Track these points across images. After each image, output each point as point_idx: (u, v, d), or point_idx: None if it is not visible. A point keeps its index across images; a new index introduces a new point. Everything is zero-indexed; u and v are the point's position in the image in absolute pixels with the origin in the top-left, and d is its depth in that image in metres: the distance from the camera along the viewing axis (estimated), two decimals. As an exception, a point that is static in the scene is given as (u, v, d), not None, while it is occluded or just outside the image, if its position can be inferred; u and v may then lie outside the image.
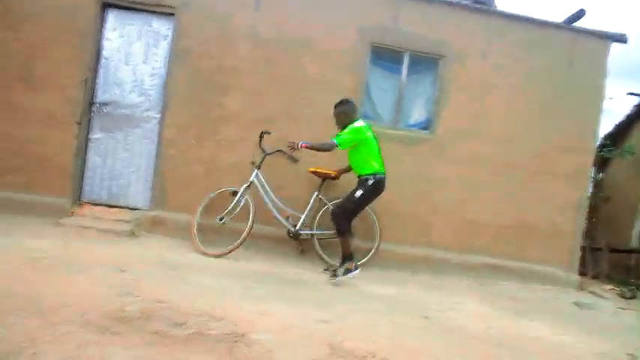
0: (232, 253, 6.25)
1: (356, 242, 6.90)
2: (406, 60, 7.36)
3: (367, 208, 6.86)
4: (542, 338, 4.89)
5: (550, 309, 6.28)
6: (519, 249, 7.50)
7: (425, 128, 7.46)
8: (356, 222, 6.88)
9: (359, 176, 6.10)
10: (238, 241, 6.26)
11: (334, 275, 5.94)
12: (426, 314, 5.05)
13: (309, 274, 6.10)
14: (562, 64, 7.56)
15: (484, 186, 7.42)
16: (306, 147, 5.93)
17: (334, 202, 6.76)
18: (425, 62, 7.46)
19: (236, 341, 3.57)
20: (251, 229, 6.34)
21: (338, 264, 6.10)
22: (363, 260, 6.74)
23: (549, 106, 7.51)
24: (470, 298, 6.13)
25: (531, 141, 7.51)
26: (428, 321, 4.85)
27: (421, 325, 4.68)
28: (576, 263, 7.66)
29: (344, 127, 6.05)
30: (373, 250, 6.86)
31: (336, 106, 6.20)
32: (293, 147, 5.95)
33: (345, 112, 6.13)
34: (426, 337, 4.35)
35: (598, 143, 8.58)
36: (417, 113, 7.54)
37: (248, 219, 6.32)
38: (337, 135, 5.98)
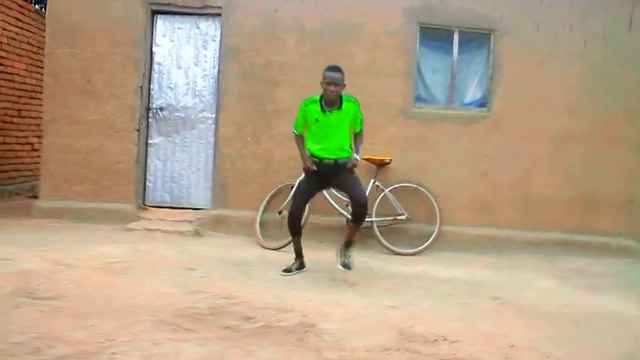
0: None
1: (418, 227, 6.87)
2: (456, 38, 7.20)
3: (425, 191, 6.81)
4: (619, 313, 4.71)
5: (625, 282, 6.00)
6: (588, 222, 7.23)
7: (481, 106, 7.30)
8: (415, 206, 6.85)
9: (348, 156, 5.22)
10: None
11: (347, 267, 5.36)
12: (496, 295, 4.95)
13: (374, 262, 6.07)
14: (622, 27, 7.21)
15: (546, 160, 7.20)
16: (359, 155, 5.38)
17: (391, 187, 6.72)
18: (476, 38, 7.28)
19: (306, 331, 3.61)
20: (306, 220, 6.36)
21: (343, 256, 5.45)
22: (426, 244, 6.67)
23: (610, 71, 7.20)
24: (540, 275, 5.95)
25: (593, 109, 7.22)
26: (499, 301, 4.75)
27: (492, 306, 4.60)
28: (651, 233, 7.34)
29: (333, 102, 5.04)
30: (434, 234, 6.75)
31: (336, 70, 5.06)
32: (355, 164, 5.23)
33: (344, 83, 5.10)
34: (498, 318, 4.27)
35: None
36: (472, 91, 7.37)
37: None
38: (358, 123, 5.27)
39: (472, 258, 6.65)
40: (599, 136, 7.22)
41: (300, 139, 5.40)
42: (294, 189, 6.20)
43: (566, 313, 4.55)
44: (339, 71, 5.02)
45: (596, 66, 7.19)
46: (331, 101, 5.04)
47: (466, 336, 3.72)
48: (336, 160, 5.15)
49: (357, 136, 5.35)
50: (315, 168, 5.22)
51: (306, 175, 5.38)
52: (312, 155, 5.22)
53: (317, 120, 5.09)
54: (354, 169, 5.26)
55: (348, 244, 5.41)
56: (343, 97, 5.10)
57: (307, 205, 5.65)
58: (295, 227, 5.36)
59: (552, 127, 7.18)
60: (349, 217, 6.58)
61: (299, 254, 5.50)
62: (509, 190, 7.19)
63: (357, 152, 5.30)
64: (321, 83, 5.05)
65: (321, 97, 5.11)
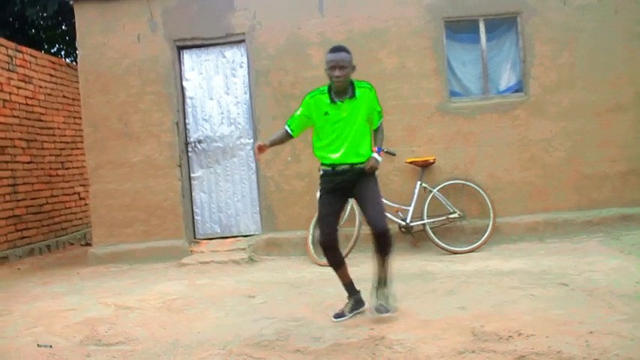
0: (350, 258, 6.23)
1: (472, 222, 6.74)
2: (482, 26, 7.09)
3: (474, 185, 6.68)
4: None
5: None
6: (648, 192, 6.99)
7: (517, 91, 7.15)
8: (466, 202, 6.72)
9: (368, 167, 4.18)
10: (347, 249, 6.25)
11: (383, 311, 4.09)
12: (563, 281, 4.78)
13: (433, 265, 5.96)
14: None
15: (594, 135, 6.97)
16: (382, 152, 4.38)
17: (439, 187, 6.62)
18: (502, 24, 7.15)
19: (377, 345, 3.55)
20: (359, 232, 6.33)
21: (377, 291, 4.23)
22: (483, 239, 6.51)
23: (648, 37, 6.98)
24: (607, 254, 5.74)
25: (634, 77, 6.97)
26: (567, 287, 4.59)
27: (561, 294, 4.44)
28: None
29: (343, 90, 4.08)
30: (490, 228, 6.56)
31: (339, 50, 4.08)
32: (374, 166, 4.15)
33: (352, 63, 4.10)
34: (570, 305, 4.11)
35: None
36: (506, 78, 7.23)
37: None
38: (376, 117, 4.28)
39: (532, 246, 6.47)
40: (644, 104, 6.98)
41: (285, 134, 4.38)
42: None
43: (641, 290, 4.37)
44: (343, 50, 4.05)
45: (633, 31, 6.95)
46: (340, 89, 4.06)
47: (540, 328, 3.60)
48: (352, 166, 4.14)
49: (377, 133, 4.34)
50: (263, 143, 4.24)
51: (320, 196, 4.35)
52: (323, 164, 4.27)
53: (326, 113, 4.10)
54: (375, 174, 4.22)
55: (381, 282, 4.19)
56: (355, 82, 4.14)
57: (338, 223, 4.41)
58: (333, 258, 4.30)
59: (595, 101, 6.97)
60: (401, 222, 6.52)
61: (350, 289, 4.36)
62: (559, 172, 6.99)
63: (378, 152, 4.22)
64: (325, 70, 4.08)
65: (330, 87, 4.14)
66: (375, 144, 4.30)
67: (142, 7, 7.22)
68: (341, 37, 6.99)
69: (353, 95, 4.09)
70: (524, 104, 7.02)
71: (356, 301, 4.32)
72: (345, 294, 4.36)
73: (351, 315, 4.22)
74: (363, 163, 4.14)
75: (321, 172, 4.30)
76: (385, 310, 4.04)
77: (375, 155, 4.14)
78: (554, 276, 5.00)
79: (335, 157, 4.15)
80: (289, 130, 4.33)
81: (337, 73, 3.97)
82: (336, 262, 4.30)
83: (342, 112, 4.08)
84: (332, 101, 4.08)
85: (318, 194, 4.39)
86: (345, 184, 4.20)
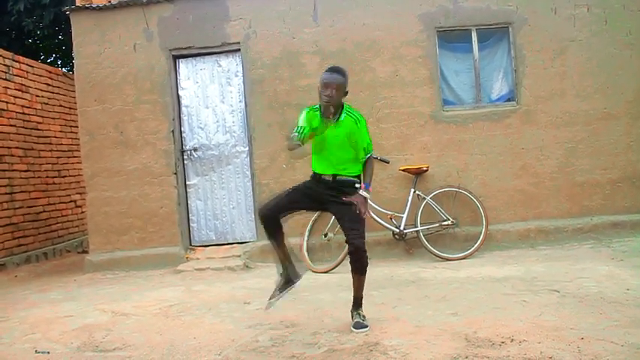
0: (344, 265, 6.29)
1: (465, 230, 6.81)
2: (474, 36, 7.17)
3: (467, 193, 6.75)
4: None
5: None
6: (639, 200, 7.06)
7: (509, 100, 7.22)
8: (459, 209, 6.79)
9: (355, 177, 4.22)
10: (342, 255, 6.34)
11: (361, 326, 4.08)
12: (555, 288, 4.84)
13: (426, 271, 6.01)
14: (642, -3, 7.10)
15: (585, 144, 7.05)
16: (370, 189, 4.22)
17: (432, 194, 6.68)
18: (494, 34, 7.24)
19: (371, 350, 3.59)
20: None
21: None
22: (475, 246, 6.57)
23: (637, 45, 7.07)
24: (597, 261, 5.81)
25: (625, 87, 7.07)
26: (559, 294, 4.64)
27: (553, 300, 4.49)
28: None
29: (334, 110, 4.04)
30: (482, 235, 6.63)
31: (334, 71, 4.12)
32: (357, 201, 4.01)
33: (345, 87, 4.12)
34: (562, 311, 4.16)
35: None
36: (498, 87, 7.31)
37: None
38: (360, 148, 4.16)
39: (524, 253, 6.54)
40: (635, 112, 7.06)
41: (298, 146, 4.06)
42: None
43: (632, 297, 4.41)
44: (338, 72, 4.07)
45: (622, 41, 7.06)
46: (327, 110, 4.02)
47: (533, 334, 3.65)
48: (334, 177, 4.16)
49: (365, 167, 4.22)
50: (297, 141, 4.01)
51: (297, 185, 4.39)
52: (314, 173, 4.30)
53: (316, 128, 4.09)
54: (360, 209, 4.01)
55: (356, 303, 4.21)
56: (346, 108, 4.15)
57: (284, 213, 4.26)
58: (269, 226, 4.21)
59: (586, 110, 7.06)
60: (395, 229, 6.59)
61: (284, 263, 4.36)
62: (551, 180, 7.06)
63: (366, 188, 4.10)
64: (317, 88, 4.11)
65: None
66: (364, 177, 4.21)
67: (137, 16, 7.28)
68: (335, 46, 7.09)
69: (337, 120, 4.09)
70: (516, 113, 7.10)
71: (287, 278, 4.35)
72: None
73: (279, 295, 4.31)
74: (346, 176, 4.15)
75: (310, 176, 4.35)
76: (363, 326, 4.04)
77: (363, 192, 4.06)
78: (546, 283, 5.06)
79: (320, 166, 4.23)
80: (299, 139, 4.02)
81: (327, 92, 3.98)
82: (268, 232, 4.23)
83: (328, 131, 4.09)
84: (321, 117, 4.09)
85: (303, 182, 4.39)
86: (326, 194, 4.19)
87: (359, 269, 4.07)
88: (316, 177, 4.26)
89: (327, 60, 7.07)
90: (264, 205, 4.31)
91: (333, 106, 4.01)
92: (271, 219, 4.17)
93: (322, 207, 4.43)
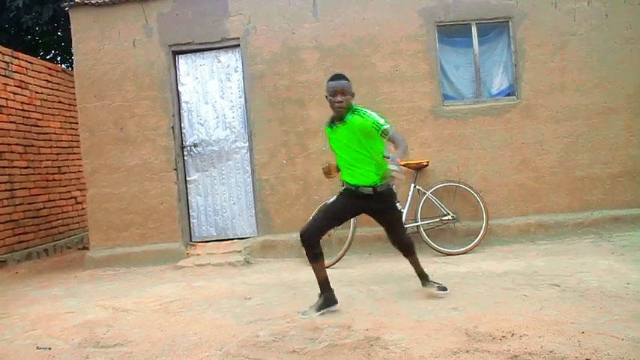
0: (345, 260, 6.34)
1: (465, 224, 6.81)
2: (474, 31, 7.16)
3: (467, 187, 6.75)
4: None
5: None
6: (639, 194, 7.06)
7: (509, 94, 7.21)
8: (460, 204, 6.79)
9: (381, 178, 4.18)
10: (341, 251, 6.37)
11: (443, 288, 4.71)
12: (555, 282, 4.85)
13: (426, 266, 5.89)
14: (642, -9, 7.08)
15: (585, 138, 7.05)
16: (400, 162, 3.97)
17: (432, 189, 6.68)
18: (494, 28, 7.23)
19: (372, 345, 3.59)
20: (353, 235, 6.41)
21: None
22: (476, 241, 6.57)
23: (638, 39, 7.05)
24: (598, 255, 5.81)
25: (625, 81, 7.05)
26: (559, 288, 4.65)
27: (553, 295, 4.50)
28: None
29: (342, 115, 4.28)
30: (483, 229, 6.63)
31: (339, 77, 4.32)
32: (386, 176, 3.99)
33: (351, 89, 4.32)
34: (562, 305, 4.17)
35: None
36: (498, 81, 7.30)
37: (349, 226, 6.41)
38: (373, 131, 4.17)
39: (524, 248, 6.55)
40: (636, 107, 7.05)
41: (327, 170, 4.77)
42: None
43: (632, 291, 4.42)
44: (343, 78, 4.29)
45: (623, 35, 7.04)
46: (340, 115, 4.29)
47: (533, 328, 3.66)
48: (357, 187, 4.37)
49: (393, 142, 4.14)
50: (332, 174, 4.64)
51: (336, 197, 4.61)
52: (347, 184, 4.48)
53: (330, 139, 4.48)
54: (393, 188, 4.41)
55: (422, 276, 4.74)
56: (353, 108, 4.30)
57: (328, 230, 4.55)
58: (311, 252, 4.38)
59: (586, 104, 7.05)
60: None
61: (323, 286, 4.46)
62: (551, 175, 7.06)
63: (392, 162, 3.87)
64: (326, 97, 4.31)
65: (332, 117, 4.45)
66: (397, 151, 4.02)
67: (137, 12, 7.27)
68: (335, 42, 7.07)
69: (344, 120, 4.28)
70: (516, 108, 7.09)
71: (325, 300, 4.43)
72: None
73: (318, 313, 4.33)
74: (367, 186, 4.32)
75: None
76: (443, 289, 4.65)
77: (391, 165, 3.82)
78: (546, 277, 5.07)
79: (348, 177, 4.44)
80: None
81: (339, 98, 4.19)
82: (314, 255, 4.38)
83: (338, 136, 4.37)
84: (330, 127, 4.42)
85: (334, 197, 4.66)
86: (367, 208, 4.50)
87: (413, 252, 4.67)
88: (352, 190, 4.42)
89: (326, 55, 7.09)
90: (305, 229, 4.41)
91: (345, 110, 4.25)
92: (314, 244, 4.35)
93: (366, 211, 4.62)
